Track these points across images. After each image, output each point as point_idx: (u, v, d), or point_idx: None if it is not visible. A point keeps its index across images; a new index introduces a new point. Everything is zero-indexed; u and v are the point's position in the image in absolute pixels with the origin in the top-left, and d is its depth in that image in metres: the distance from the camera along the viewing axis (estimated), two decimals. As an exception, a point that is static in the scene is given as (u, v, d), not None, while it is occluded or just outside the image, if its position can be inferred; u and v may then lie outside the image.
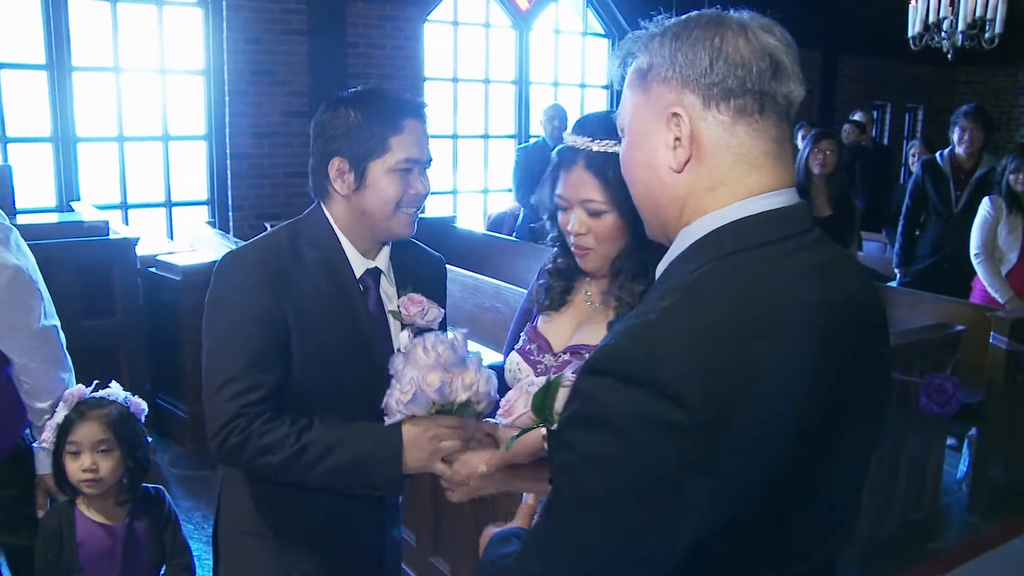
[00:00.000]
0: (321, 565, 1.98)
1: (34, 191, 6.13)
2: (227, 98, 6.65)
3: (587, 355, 1.69)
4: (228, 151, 6.74)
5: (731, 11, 1.16)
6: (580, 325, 1.88)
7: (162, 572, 2.38)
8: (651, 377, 0.99)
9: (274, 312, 1.81)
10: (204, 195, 6.86)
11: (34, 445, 2.38)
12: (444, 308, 2.07)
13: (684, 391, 0.97)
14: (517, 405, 1.61)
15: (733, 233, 1.12)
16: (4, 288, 2.21)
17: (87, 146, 6.36)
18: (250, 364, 1.79)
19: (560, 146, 1.82)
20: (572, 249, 1.82)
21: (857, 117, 8.26)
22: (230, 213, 6.76)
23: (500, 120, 8.68)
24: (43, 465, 2.36)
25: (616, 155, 1.47)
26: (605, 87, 9.20)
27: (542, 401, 1.56)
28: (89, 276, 4.25)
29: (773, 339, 1.02)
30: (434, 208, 7.76)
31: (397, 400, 1.76)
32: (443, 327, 2.05)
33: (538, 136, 7.41)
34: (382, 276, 1.98)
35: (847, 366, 1.09)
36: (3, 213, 2.28)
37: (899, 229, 5.83)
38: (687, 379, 0.98)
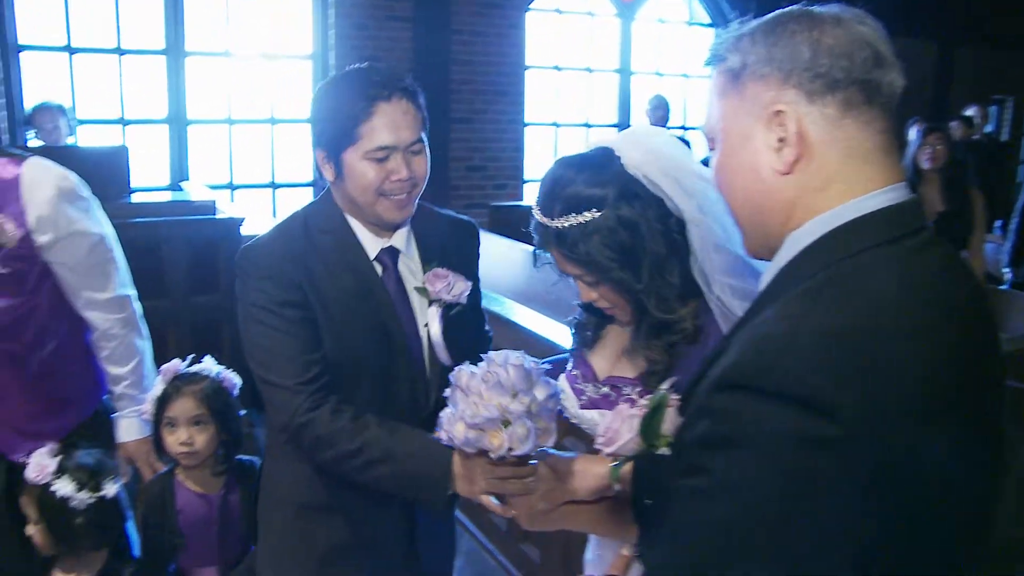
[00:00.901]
0: (352, 540, 1.99)
1: (149, 171, 6.38)
2: (333, 83, 6.75)
3: (625, 389, 1.69)
4: (333, 135, 6.84)
5: (818, 7, 1.11)
6: (620, 355, 1.76)
7: None
8: (795, 389, 0.91)
9: (299, 297, 1.83)
10: (308, 177, 7.01)
11: (113, 415, 2.47)
12: (476, 276, 2.04)
13: (834, 401, 0.89)
14: (621, 432, 1.54)
15: (853, 232, 1.05)
16: (86, 255, 2.29)
17: (197, 128, 6.57)
18: (294, 352, 1.82)
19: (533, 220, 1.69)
20: None
21: (970, 112, 7.92)
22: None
23: (602, 109, 8.61)
24: (124, 432, 2.44)
25: (580, 226, 1.56)
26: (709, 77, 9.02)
27: (651, 424, 1.49)
28: (197, 253, 4.37)
29: (918, 339, 0.95)
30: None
31: (449, 433, 1.61)
32: (474, 297, 2.03)
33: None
34: (401, 255, 1.95)
35: (976, 371, 1.02)
36: (86, 184, 2.35)
37: (1012, 227, 5.58)
38: (836, 388, 0.90)
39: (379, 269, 1.92)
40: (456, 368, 1.61)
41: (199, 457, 2.27)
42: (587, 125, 8.49)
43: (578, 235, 1.56)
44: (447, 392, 1.62)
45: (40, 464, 2.09)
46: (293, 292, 1.82)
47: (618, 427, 1.55)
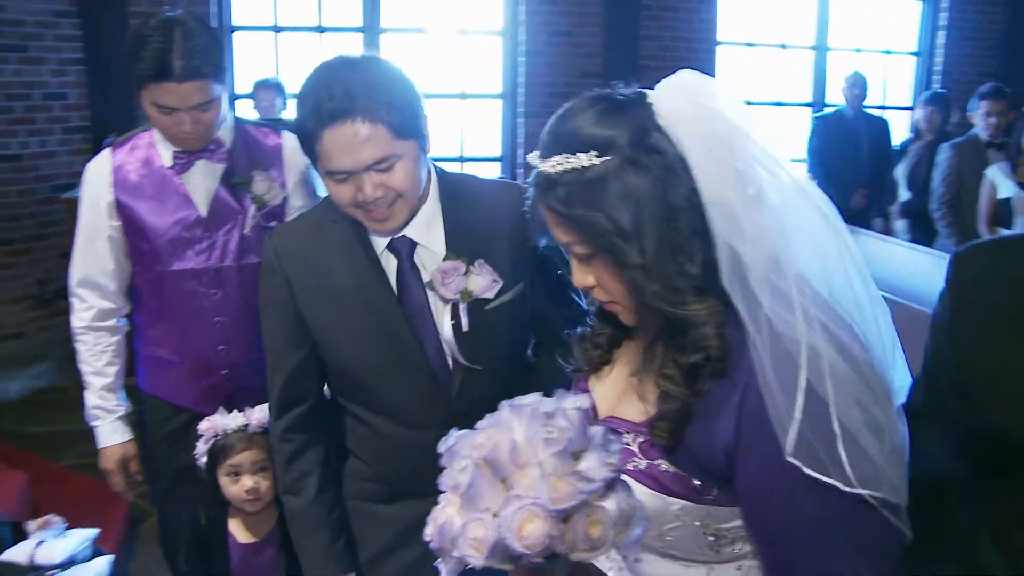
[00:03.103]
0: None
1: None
2: (523, 58, 6.83)
3: (625, 438, 1.24)
4: (522, 110, 6.94)
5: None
6: (628, 387, 1.34)
7: None
8: None
9: (283, 296, 1.81)
10: (497, 152, 7.11)
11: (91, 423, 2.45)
12: (536, 255, 1.81)
13: None
14: None
15: None
16: None
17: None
18: (275, 348, 1.87)
19: None
20: None
21: None
22: (520, 171, 6.97)
23: (796, 88, 8.28)
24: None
25: (576, 172, 1.19)
26: (915, 53, 8.52)
27: None
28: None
29: None
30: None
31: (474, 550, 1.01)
32: (507, 291, 1.82)
33: (837, 105, 7.00)
34: (419, 245, 1.80)
35: None
36: None
37: None
38: None
39: (393, 261, 1.81)
40: (443, 447, 1.08)
41: (263, 502, 2.21)
42: (780, 104, 8.19)
43: (571, 184, 1.19)
44: (444, 481, 1.06)
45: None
46: (277, 292, 1.82)
47: None
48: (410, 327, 1.79)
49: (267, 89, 5.72)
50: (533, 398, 1.06)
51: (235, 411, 2.18)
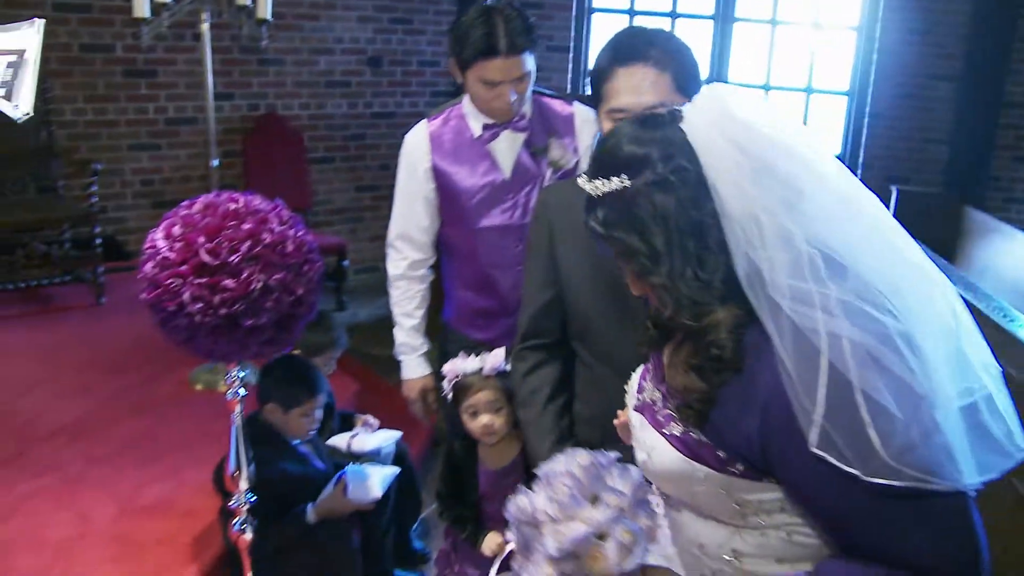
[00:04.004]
0: None
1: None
2: (875, 56, 6.59)
3: (670, 403, 1.36)
4: (868, 109, 6.72)
5: None
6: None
7: None
8: None
9: (544, 241, 2.09)
10: (837, 150, 6.95)
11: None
12: None
13: None
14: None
15: None
16: None
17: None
18: (530, 285, 2.16)
19: None
20: None
21: None
22: (859, 171, 6.75)
23: None
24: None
25: (612, 194, 1.26)
26: None
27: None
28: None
29: None
30: None
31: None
32: None
33: None
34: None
35: None
36: None
37: None
38: None
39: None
40: (508, 502, 1.43)
41: (498, 435, 2.39)
42: None
43: (609, 205, 1.28)
44: (510, 538, 1.46)
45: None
46: (539, 238, 2.12)
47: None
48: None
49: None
50: (558, 463, 1.41)
51: (472, 355, 2.42)
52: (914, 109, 6.65)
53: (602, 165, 1.29)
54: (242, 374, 2.13)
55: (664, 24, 6.76)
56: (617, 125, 1.38)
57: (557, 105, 2.68)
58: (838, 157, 5.53)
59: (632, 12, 6.82)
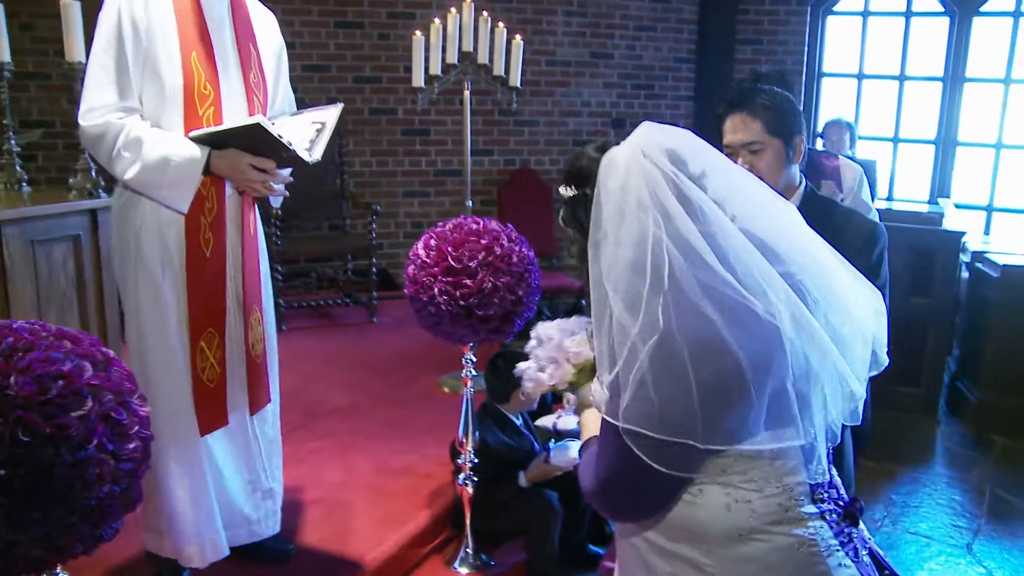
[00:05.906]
0: None
1: (912, 186, 7.11)
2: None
3: None
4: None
5: None
6: None
7: None
8: None
9: None
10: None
11: None
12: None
13: None
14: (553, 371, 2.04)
15: None
16: None
17: (965, 150, 7.00)
18: None
19: None
20: None
21: None
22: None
23: None
24: None
25: (568, 199, 1.61)
26: None
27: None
28: (917, 259, 4.95)
29: None
30: None
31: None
32: None
33: None
34: None
35: None
36: None
37: None
38: None
39: None
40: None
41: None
42: None
43: (565, 207, 1.64)
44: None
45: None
46: None
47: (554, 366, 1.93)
48: None
49: (836, 127, 6.33)
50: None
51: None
52: None
53: (567, 175, 1.63)
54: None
55: (893, 87, 7.03)
56: (584, 147, 1.66)
57: (827, 157, 3.61)
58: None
59: (860, 76, 7.16)
